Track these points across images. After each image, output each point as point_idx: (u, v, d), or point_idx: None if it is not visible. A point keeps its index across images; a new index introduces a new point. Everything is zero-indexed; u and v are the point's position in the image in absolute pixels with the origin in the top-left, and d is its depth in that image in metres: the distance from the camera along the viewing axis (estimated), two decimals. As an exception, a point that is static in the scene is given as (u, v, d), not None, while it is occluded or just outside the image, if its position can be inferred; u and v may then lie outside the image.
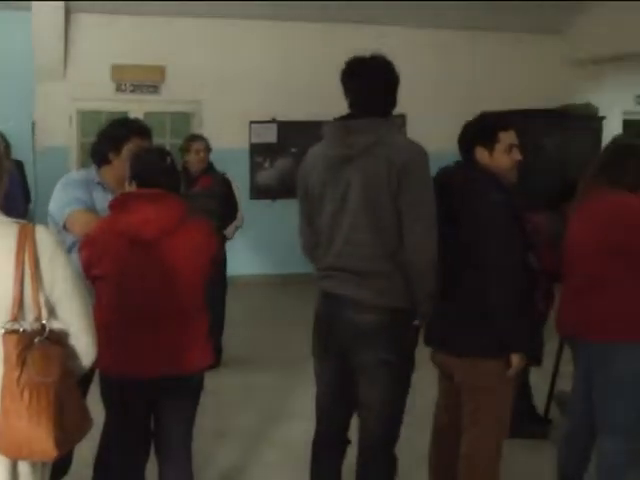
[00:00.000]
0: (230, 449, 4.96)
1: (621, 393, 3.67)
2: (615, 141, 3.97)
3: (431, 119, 9.87)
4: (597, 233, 3.65)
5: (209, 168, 6.55)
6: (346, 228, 3.20)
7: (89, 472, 3.54)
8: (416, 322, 3.31)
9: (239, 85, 10.19)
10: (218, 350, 6.37)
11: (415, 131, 9.90)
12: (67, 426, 2.11)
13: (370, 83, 3.22)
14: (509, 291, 3.28)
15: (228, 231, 6.55)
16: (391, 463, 3.38)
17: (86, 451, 3.45)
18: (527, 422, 5.04)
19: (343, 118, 3.28)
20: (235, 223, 6.63)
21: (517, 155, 3.49)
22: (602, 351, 3.67)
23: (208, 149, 6.51)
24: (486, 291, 3.29)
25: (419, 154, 3.15)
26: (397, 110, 3.32)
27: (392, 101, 3.27)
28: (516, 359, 3.34)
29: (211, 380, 5.47)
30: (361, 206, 3.16)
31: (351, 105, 3.28)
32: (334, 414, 3.45)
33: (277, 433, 5.22)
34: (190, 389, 3.32)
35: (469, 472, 3.53)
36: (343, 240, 3.22)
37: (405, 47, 9.95)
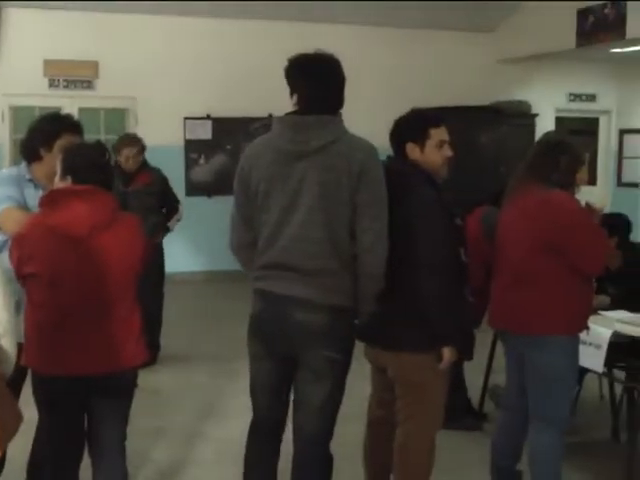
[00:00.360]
0: (167, 447, 4.92)
1: (551, 386, 3.74)
2: (546, 137, 4.02)
3: (369, 116, 9.91)
4: (530, 231, 3.70)
5: (144, 164, 6.49)
6: (296, 224, 3.15)
7: (23, 474, 3.48)
8: (356, 321, 3.32)
9: (174, 81, 10.12)
10: (155, 347, 6.33)
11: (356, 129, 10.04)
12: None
13: (322, 81, 3.20)
14: (440, 286, 3.32)
15: (171, 224, 6.60)
16: (328, 461, 3.39)
17: (19, 452, 3.40)
18: (462, 415, 5.12)
19: (295, 114, 3.23)
20: (176, 217, 6.64)
21: (448, 151, 3.53)
22: (533, 345, 3.73)
23: (141, 151, 6.44)
24: (417, 286, 3.33)
25: (374, 152, 3.19)
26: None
27: (341, 99, 3.26)
28: (447, 353, 3.39)
29: (148, 378, 5.47)
30: (316, 203, 3.13)
31: (300, 102, 3.21)
32: (270, 413, 3.42)
33: (214, 431, 5.20)
34: (122, 387, 3.28)
35: (404, 465, 3.58)
36: (291, 236, 3.17)
37: (341, 45, 10.03)
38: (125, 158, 6.33)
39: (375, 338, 3.53)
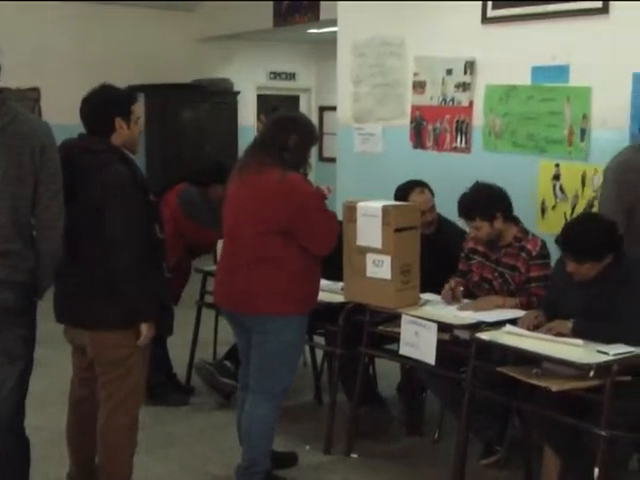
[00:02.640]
0: None
1: (279, 364, 3.79)
2: (277, 115, 4.03)
3: (64, 92, 9.52)
4: (264, 212, 3.69)
5: None
6: None
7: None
8: (36, 297, 3.31)
9: None
10: None
11: (50, 104, 9.60)
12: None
13: None
14: (132, 262, 3.32)
15: None
16: (25, 445, 3.37)
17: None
18: (169, 391, 5.10)
19: None
20: None
21: (142, 127, 3.69)
22: (262, 325, 3.75)
23: None
24: (110, 263, 3.31)
25: (50, 130, 3.22)
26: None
27: None
28: (145, 329, 3.41)
29: None
30: (1, 187, 3.11)
31: None
32: None
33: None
34: None
35: (105, 445, 3.54)
36: None
37: (38, 19, 9.55)
38: None
39: (72, 317, 3.51)
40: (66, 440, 3.73)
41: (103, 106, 3.49)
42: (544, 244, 4.26)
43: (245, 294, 3.76)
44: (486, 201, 4.24)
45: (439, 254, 4.45)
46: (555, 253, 4.07)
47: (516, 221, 4.35)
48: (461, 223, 4.58)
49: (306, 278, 3.79)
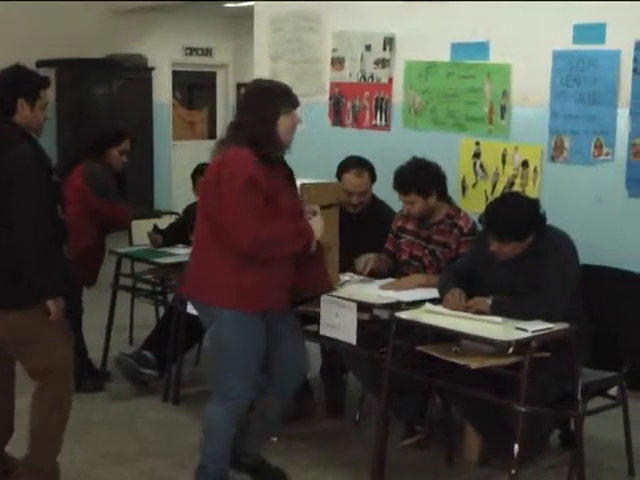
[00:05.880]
0: None
1: (217, 361, 3.62)
2: (252, 84, 3.77)
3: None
4: (202, 195, 3.58)
5: None
6: None
7: None
8: None
9: None
10: None
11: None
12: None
13: None
14: (37, 242, 3.29)
15: None
16: None
17: None
18: (85, 377, 4.96)
19: None
20: None
21: (48, 113, 3.57)
22: (209, 314, 3.58)
23: None
24: (14, 242, 3.27)
25: None
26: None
27: None
28: (52, 305, 3.38)
29: None
30: None
31: None
32: None
33: None
34: None
35: (33, 426, 3.52)
36: None
37: None
38: None
39: None
40: None
41: (8, 85, 3.47)
42: (475, 222, 4.25)
43: (191, 280, 3.62)
44: (423, 177, 4.20)
45: (364, 234, 4.41)
46: (478, 228, 4.06)
47: (448, 200, 4.33)
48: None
49: (249, 269, 3.43)
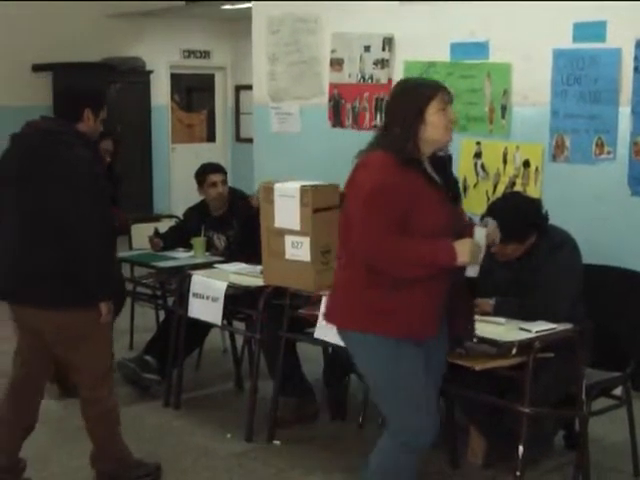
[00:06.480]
0: None
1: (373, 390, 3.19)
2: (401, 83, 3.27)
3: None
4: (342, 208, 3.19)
5: None
6: None
7: None
8: None
9: None
10: None
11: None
12: None
13: None
14: (95, 245, 3.40)
15: None
16: None
17: None
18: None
19: None
20: None
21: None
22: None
23: None
24: (72, 245, 3.37)
25: None
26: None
27: None
28: (104, 307, 3.50)
29: None
30: None
31: None
32: None
33: None
34: None
35: (92, 417, 3.65)
36: None
37: None
38: None
39: (25, 297, 3.52)
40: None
41: (79, 93, 3.64)
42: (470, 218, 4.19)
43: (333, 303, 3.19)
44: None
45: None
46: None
47: None
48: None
49: (393, 290, 2.95)
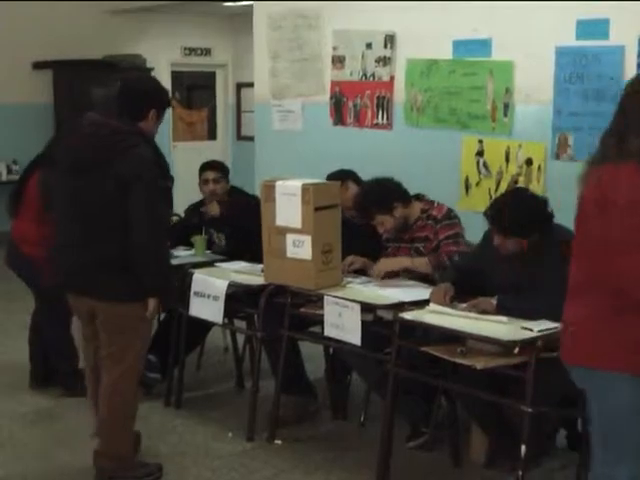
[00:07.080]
0: None
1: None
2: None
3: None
4: (579, 229, 2.70)
5: None
6: None
7: None
8: None
9: None
10: None
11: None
12: None
13: None
14: (152, 242, 3.54)
15: None
16: None
17: None
18: (83, 380, 4.91)
19: None
20: None
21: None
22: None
23: None
24: (130, 240, 3.49)
25: None
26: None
27: None
28: (152, 303, 3.63)
29: None
30: None
31: None
32: None
33: None
34: None
35: (110, 409, 3.71)
36: None
37: None
38: None
39: (82, 287, 3.67)
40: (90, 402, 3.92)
41: (145, 93, 3.71)
42: (450, 209, 4.31)
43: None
44: (378, 197, 4.25)
45: (364, 239, 4.44)
46: (482, 228, 4.01)
47: (419, 197, 4.36)
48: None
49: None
